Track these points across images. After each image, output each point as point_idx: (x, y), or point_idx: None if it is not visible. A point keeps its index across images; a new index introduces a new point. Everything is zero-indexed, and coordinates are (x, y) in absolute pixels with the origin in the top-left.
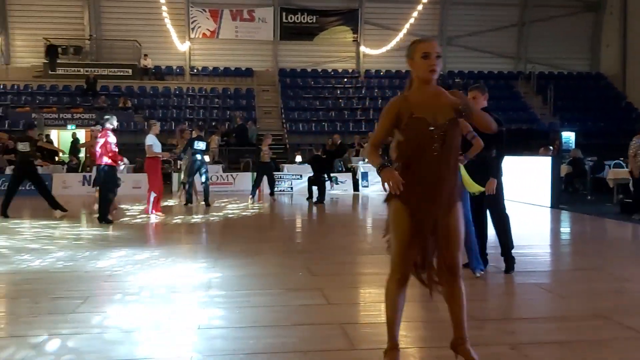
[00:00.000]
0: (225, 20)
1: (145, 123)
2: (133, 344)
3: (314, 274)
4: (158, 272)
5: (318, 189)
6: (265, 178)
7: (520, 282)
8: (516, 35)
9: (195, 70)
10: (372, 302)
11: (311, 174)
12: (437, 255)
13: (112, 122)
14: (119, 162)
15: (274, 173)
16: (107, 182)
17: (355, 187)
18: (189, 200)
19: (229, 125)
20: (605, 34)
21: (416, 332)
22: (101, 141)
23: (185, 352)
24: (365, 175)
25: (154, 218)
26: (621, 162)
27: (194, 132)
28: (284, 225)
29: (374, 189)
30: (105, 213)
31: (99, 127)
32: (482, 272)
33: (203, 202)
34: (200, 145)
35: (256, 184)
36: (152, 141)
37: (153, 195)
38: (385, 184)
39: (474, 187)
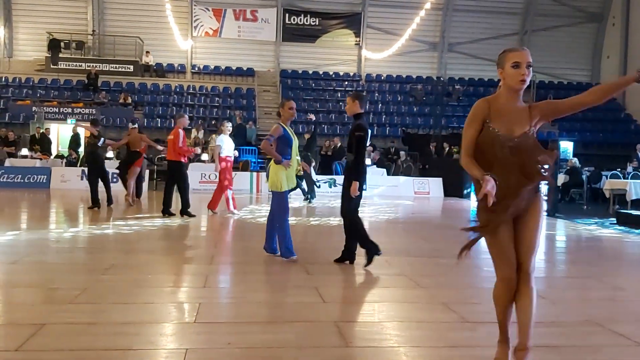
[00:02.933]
0: (228, 19)
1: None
2: (130, 335)
3: (310, 273)
4: (158, 267)
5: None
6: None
7: None
8: (517, 43)
9: (196, 69)
10: (366, 301)
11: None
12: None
13: (184, 121)
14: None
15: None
16: (182, 178)
17: None
18: None
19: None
20: (607, 45)
21: (410, 331)
22: (180, 137)
23: (180, 345)
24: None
25: (236, 214)
26: (618, 172)
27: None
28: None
29: (372, 193)
30: (187, 205)
31: (135, 125)
32: (294, 259)
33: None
34: None
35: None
36: (219, 142)
37: (230, 192)
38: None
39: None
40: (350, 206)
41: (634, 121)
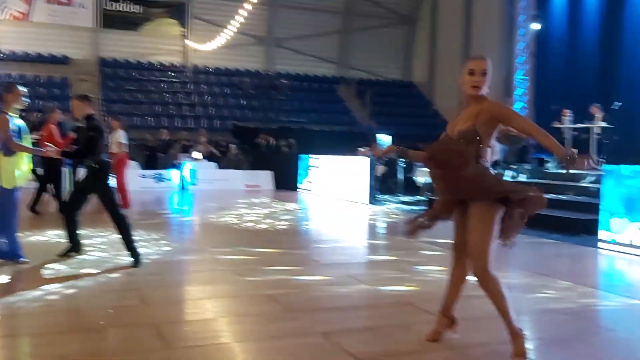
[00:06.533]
0: (39, 2)
1: None
2: None
3: (131, 275)
4: None
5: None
6: None
7: (337, 274)
8: (338, 41)
9: (2, 55)
10: (190, 299)
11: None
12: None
13: None
14: None
15: None
16: None
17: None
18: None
19: (36, 116)
20: (417, 46)
21: (237, 326)
22: None
23: None
24: (194, 173)
25: None
26: None
27: None
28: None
29: (204, 187)
30: None
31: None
32: (24, 261)
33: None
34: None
35: None
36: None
37: None
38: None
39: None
40: (113, 206)
41: (440, 116)
